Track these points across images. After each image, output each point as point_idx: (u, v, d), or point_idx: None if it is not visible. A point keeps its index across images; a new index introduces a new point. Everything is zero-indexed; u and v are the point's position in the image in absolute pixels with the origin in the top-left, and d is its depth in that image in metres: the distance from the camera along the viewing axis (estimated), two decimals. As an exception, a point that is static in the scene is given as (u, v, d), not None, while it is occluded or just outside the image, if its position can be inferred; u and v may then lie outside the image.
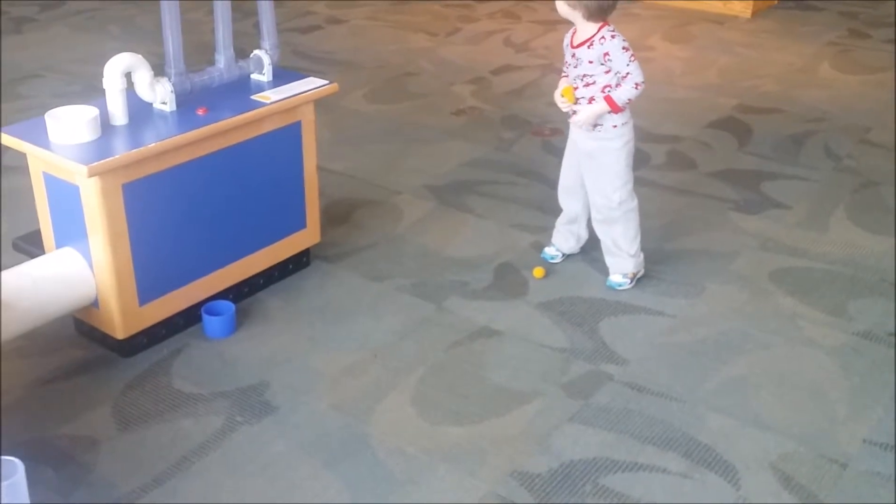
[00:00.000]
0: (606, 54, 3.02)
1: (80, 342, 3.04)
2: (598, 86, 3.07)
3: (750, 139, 4.59)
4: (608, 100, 3.06)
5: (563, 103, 3.16)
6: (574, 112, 3.14)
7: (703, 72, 5.49)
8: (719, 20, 6.42)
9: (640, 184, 4.02)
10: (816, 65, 5.62)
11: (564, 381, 2.89)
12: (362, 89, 5.15)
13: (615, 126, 3.12)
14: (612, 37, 3.02)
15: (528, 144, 4.49)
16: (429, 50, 5.80)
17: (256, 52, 3.18)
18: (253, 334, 3.10)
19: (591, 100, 3.09)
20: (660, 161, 4.34)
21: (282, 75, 3.23)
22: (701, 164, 4.32)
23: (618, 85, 3.05)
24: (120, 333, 2.88)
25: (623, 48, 3.02)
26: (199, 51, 4.92)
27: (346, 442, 2.64)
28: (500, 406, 2.79)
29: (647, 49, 5.85)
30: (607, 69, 3.04)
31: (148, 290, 2.89)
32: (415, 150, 4.44)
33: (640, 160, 4.27)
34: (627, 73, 3.02)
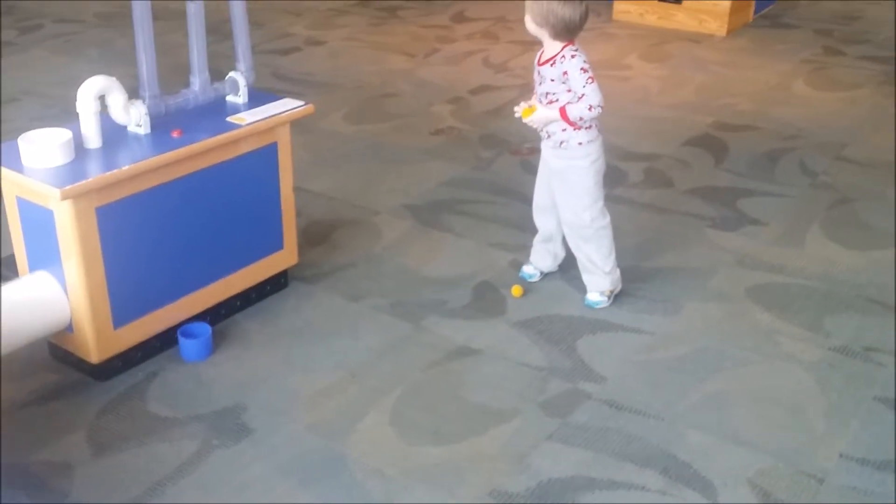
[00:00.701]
0: (565, 73, 3.03)
1: (54, 367, 3.01)
2: (560, 103, 3.09)
3: (726, 157, 4.62)
4: (561, 110, 3.06)
5: (517, 110, 3.17)
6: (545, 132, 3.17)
7: (679, 90, 5.53)
8: (695, 39, 6.47)
9: (617, 202, 4.05)
10: (791, 82, 5.66)
11: (542, 400, 2.88)
12: (341, 110, 5.16)
13: (580, 144, 3.13)
14: (573, 56, 3.03)
15: (506, 163, 4.50)
16: (407, 71, 5.82)
17: (232, 74, 3.19)
18: (230, 357, 3.08)
19: None
20: (637, 179, 4.36)
21: (257, 97, 3.23)
22: (678, 182, 4.34)
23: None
24: (94, 357, 2.86)
25: (581, 69, 3.02)
26: (177, 72, 4.91)
27: (324, 463, 2.63)
28: (478, 425, 2.78)
29: (624, 68, 5.89)
30: (568, 88, 3.06)
31: (123, 313, 2.87)
32: (393, 170, 4.44)
33: (617, 178, 4.30)
34: (583, 95, 3.03)
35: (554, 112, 3.07)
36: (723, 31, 6.55)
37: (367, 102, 5.30)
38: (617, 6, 6.91)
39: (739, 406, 2.86)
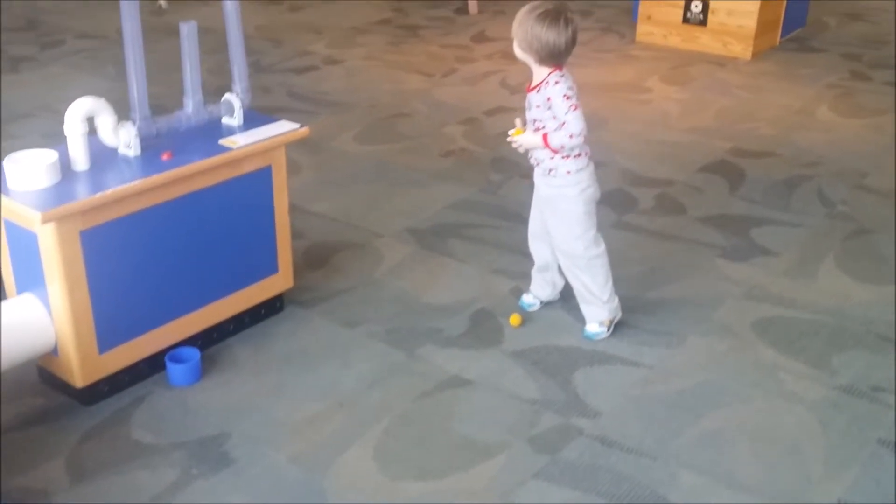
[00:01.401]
0: (549, 99, 2.97)
1: (42, 390, 2.98)
2: (546, 131, 3.01)
3: (742, 183, 4.51)
4: (544, 137, 2.99)
5: (510, 131, 3.12)
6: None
7: (699, 114, 5.43)
8: (719, 62, 6.36)
9: (625, 228, 3.98)
10: (815, 107, 5.54)
11: (532, 435, 2.80)
12: (353, 130, 5.12)
13: (569, 172, 3.06)
14: (556, 83, 2.96)
15: (515, 187, 4.43)
16: (423, 91, 5.77)
17: (227, 95, 3.15)
18: (218, 382, 3.04)
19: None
20: (648, 205, 4.26)
21: (253, 119, 3.20)
22: (690, 209, 4.24)
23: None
24: (79, 381, 2.82)
25: (564, 95, 2.94)
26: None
27: (302, 497, 2.57)
28: (464, 460, 2.71)
29: (645, 91, 5.81)
30: (554, 115, 2.99)
31: (108, 337, 2.84)
32: (400, 192, 4.39)
33: (627, 204, 4.22)
34: (564, 122, 2.95)
35: (538, 139, 3.00)
36: (748, 55, 6.43)
37: (379, 122, 5.25)
38: (640, 28, 6.83)
39: (736, 445, 2.76)
